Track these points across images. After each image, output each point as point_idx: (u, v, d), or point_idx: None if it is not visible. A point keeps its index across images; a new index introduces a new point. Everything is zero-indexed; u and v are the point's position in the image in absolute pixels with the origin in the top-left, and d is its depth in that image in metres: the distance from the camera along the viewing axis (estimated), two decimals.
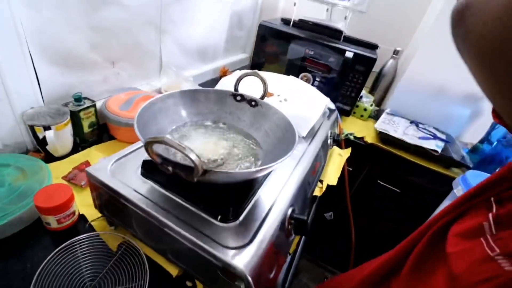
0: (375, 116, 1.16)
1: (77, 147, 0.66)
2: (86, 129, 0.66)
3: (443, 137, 1.03)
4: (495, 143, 0.93)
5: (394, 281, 0.39)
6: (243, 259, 0.34)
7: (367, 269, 0.44)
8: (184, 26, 0.94)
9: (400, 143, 0.95)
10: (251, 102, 0.55)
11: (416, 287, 0.35)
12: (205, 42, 1.09)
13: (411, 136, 0.98)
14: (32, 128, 0.56)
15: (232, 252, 0.35)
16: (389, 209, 1.07)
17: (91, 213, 0.51)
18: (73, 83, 0.67)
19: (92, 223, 0.49)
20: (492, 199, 0.33)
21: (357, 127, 1.07)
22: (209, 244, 0.36)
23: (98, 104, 0.70)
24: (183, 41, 0.97)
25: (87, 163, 0.61)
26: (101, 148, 0.68)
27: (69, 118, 0.60)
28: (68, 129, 0.61)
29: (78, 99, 0.63)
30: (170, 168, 0.33)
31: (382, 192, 1.05)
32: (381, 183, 1.05)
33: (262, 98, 0.55)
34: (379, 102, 1.25)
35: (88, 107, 0.65)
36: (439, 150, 0.91)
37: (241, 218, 0.40)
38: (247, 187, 0.45)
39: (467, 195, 0.36)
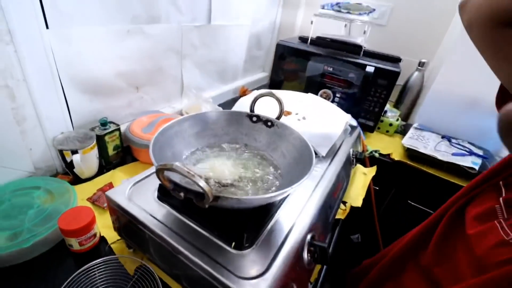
0: (402, 132, 1.10)
1: (102, 169, 0.69)
2: (111, 151, 0.69)
3: (480, 152, 0.94)
4: None
5: (422, 255, 0.46)
6: None
7: (396, 246, 0.53)
8: (204, 50, 0.98)
9: (431, 159, 0.89)
10: (267, 123, 0.54)
11: (441, 261, 0.41)
12: (225, 64, 1.13)
13: (443, 152, 0.91)
14: (61, 152, 0.59)
15: (246, 282, 0.33)
16: None
17: (112, 235, 0.51)
18: (100, 108, 0.71)
19: (112, 246, 0.50)
20: (500, 183, 0.38)
21: (382, 144, 1.01)
22: (222, 274, 0.34)
23: (122, 128, 0.73)
24: (203, 64, 1.01)
25: (110, 185, 0.64)
26: (124, 169, 0.71)
27: (95, 142, 0.63)
28: (94, 153, 0.64)
29: (104, 123, 0.66)
30: (181, 194, 0.32)
31: (414, 213, 0.97)
32: (412, 203, 0.97)
33: (278, 118, 0.55)
34: (406, 117, 1.19)
35: (113, 131, 0.68)
36: (477, 168, 0.83)
37: (256, 245, 0.39)
38: (263, 212, 0.44)
39: (478, 179, 0.43)
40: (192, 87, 0.97)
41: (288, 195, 0.48)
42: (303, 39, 1.16)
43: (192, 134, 0.51)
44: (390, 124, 1.08)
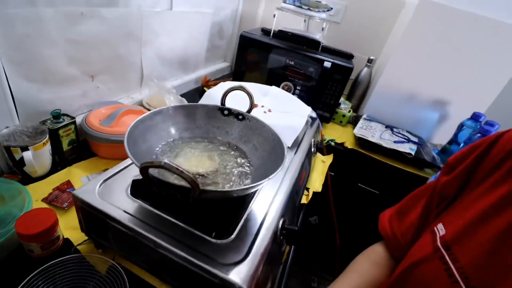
0: (353, 122, 1.21)
1: (56, 167, 0.63)
2: (65, 147, 0.64)
3: (416, 140, 1.10)
4: (462, 144, 1.01)
5: None
6: (240, 274, 0.35)
7: None
8: (165, 37, 0.93)
9: (377, 147, 1.01)
10: (239, 116, 0.56)
11: None
12: (186, 52, 1.09)
13: (387, 140, 1.04)
14: (8, 149, 0.53)
15: (228, 268, 0.36)
16: (370, 210, 1.12)
17: (77, 237, 0.49)
18: (50, 99, 0.64)
19: (78, 247, 0.47)
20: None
21: (337, 133, 1.11)
22: (205, 262, 0.36)
23: (78, 120, 0.67)
24: (164, 52, 0.97)
25: (68, 183, 0.59)
26: (82, 166, 0.66)
27: (47, 137, 0.57)
28: (47, 149, 0.58)
29: (57, 116, 0.61)
30: (166, 190, 0.33)
31: (363, 195, 1.10)
32: (362, 186, 1.09)
33: (249, 111, 0.57)
34: (356, 108, 1.31)
35: (67, 124, 0.62)
36: (413, 153, 0.98)
37: (235, 233, 0.41)
38: (239, 202, 0.46)
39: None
40: (153, 77, 0.92)
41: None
42: (265, 32, 1.18)
43: (164, 127, 0.50)
44: (344, 116, 1.18)
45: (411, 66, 1.09)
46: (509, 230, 0.28)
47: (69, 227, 0.50)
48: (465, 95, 1.06)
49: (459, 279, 0.30)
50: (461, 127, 1.02)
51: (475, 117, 0.98)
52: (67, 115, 0.64)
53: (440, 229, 0.35)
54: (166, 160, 0.27)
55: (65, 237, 0.48)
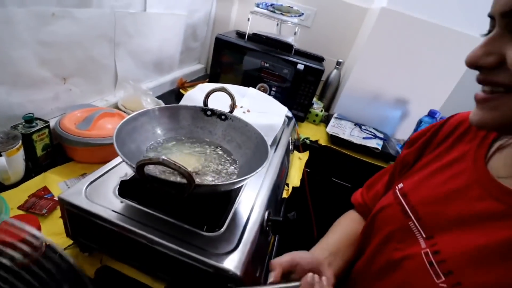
0: (325, 120, 1.28)
1: (29, 173, 0.60)
2: (39, 152, 0.61)
3: (382, 136, 1.20)
4: None
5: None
6: (233, 262, 0.38)
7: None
8: (139, 39, 0.92)
9: (348, 143, 1.08)
10: (221, 116, 0.58)
11: None
12: (161, 54, 1.08)
13: (356, 137, 1.12)
14: None
15: (221, 257, 0.38)
16: (343, 202, 1.20)
17: (60, 242, 0.47)
18: (20, 102, 0.61)
19: None
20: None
21: (311, 132, 1.17)
22: (199, 253, 0.38)
23: (51, 124, 0.65)
24: (139, 54, 0.96)
25: (45, 189, 0.57)
26: (58, 171, 0.64)
27: (20, 142, 0.55)
28: (20, 154, 0.55)
29: (29, 120, 0.58)
30: (161, 187, 0.34)
31: (337, 188, 1.17)
32: (335, 180, 1.17)
33: (230, 111, 0.59)
34: (328, 108, 1.39)
35: (41, 129, 0.60)
36: (380, 148, 1.07)
37: (225, 226, 0.43)
38: (226, 197, 0.49)
39: None
40: (127, 79, 0.91)
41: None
42: (240, 34, 1.21)
43: (149, 128, 0.51)
44: (317, 115, 1.25)
45: (375, 68, 1.18)
46: (449, 180, 0.38)
47: (51, 233, 0.49)
48: (423, 94, 1.18)
49: (410, 214, 0.40)
50: (420, 123, 1.13)
51: (432, 113, 1.09)
52: (40, 119, 0.62)
53: (400, 186, 0.45)
54: (164, 157, 0.29)
55: (47, 244, 0.47)
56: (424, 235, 0.37)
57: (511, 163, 0.32)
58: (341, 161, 1.11)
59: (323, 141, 1.12)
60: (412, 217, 0.39)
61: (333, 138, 1.11)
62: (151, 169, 0.45)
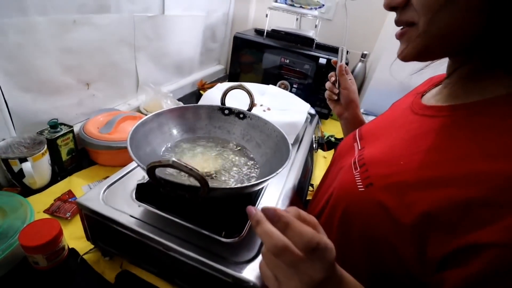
0: None
1: (56, 177, 0.62)
2: (64, 156, 0.63)
3: None
4: None
5: None
6: (253, 272, 0.34)
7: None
8: (158, 42, 0.93)
9: None
10: (240, 115, 0.55)
11: None
12: (181, 56, 1.09)
13: None
14: (6, 161, 0.51)
15: (241, 266, 0.35)
16: None
17: (82, 246, 0.48)
18: (46, 109, 0.63)
19: (84, 257, 0.46)
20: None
21: (336, 129, 1.11)
22: (217, 261, 0.35)
23: (75, 129, 0.66)
24: (159, 57, 0.96)
25: (70, 193, 0.58)
26: (82, 175, 0.65)
27: (46, 147, 0.56)
28: (46, 159, 0.57)
29: (54, 126, 0.59)
30: (174, 190, 0.32)
31: None
32: None
33: (249, 110, 0.56)
34: None
35: (65, 134, 0.61)
36: None
37: (244, 232, 0.40)
38: (246, 200, 0.46)
39: None
40: (148, 82, 0.92)
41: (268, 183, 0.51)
42: (258, 32, 1.19)
43: (165, 130, 0.49)
44: None
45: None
46: (392, 113, 0.46)
47: (74, 237, 0.49)
48: None
49: (357, 137, 0.47)
50: None
51: None
52: (65, 124, 0.63)
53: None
54: (174, 158, 0.27)
55: (70, 247, 0.47)
56: (359, 148, 0.44)
57: (434, 92, 0.40)
58: None
59: None
60: (357, 138, 0.47)
61: None
62: (168, 172, 0.43)
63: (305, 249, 0.23)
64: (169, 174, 0.42)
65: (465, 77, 0.33)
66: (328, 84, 0.65)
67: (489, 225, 0.23)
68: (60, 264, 0.45)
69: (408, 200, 0.29)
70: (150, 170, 0.29)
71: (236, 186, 0.36)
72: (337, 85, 0.63)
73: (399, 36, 0.34)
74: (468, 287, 0.25)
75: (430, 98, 0.39)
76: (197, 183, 0.30)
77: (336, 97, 0.64)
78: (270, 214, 0.25)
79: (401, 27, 0.33)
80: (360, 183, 0.36)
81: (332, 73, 0.65)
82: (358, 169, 0.38)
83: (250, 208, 0.27)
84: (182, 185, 0.31)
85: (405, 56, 0.33)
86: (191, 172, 0.27)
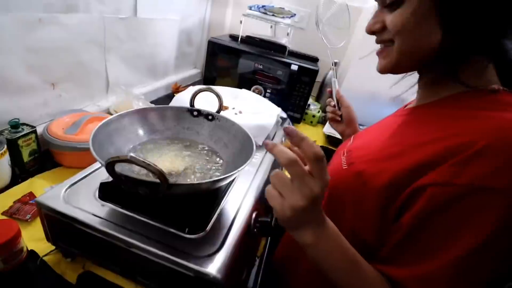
0: (323, 121, 1.27)
1: (16, 179, 0.59)
2: (26, 157, 0.60)
3: None
4: None
5: None
6: (214, 265, 0.36)
7: None
8: (131, 44, 0.93)
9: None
10: (208, 117, 0.57)
11: None
12: (154, 59, 1.09)
13: None
14: None
15: (203, 260, 0.36)
16: None
17: (42, 248, 0.46)
18: (8, 108, 0.61)
19: (45, 258, 0.45)
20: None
21: (308, 133, 1.16)
22: (179, 256, 0.36)
23: (39, 130, 0.64)
24: (131, 58, 0.96)
25: (31, 195, 0.56)
26: (45, 176, 0.63)
27: (5, 147, 0.54)
28: (6, 160, 0.55)
29: (15, 125, 0.58)
30: (134, 186, 0.33)
31: None
32: None
33: (218, 112, 0.58)
34: (325, 109, 1.37)
35: (27, 134, 0.59)
36: None
37: (208, 227, 0.42)
38: (212, 197, 0.47)
39: None
40: (119, 83, 0.91)
41: (233, 180, 0.53)
42: (233, 37, 1.21)
43: (132, 130, 0.50)
44: (313, 116, 1.23)
45: (371, 68, 1.16)
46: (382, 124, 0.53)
47: (34, 239, 0.48)
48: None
49: (351, 140, 0.55)
50: None
51: None
52: (27, 125, 0.61)
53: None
54: (132, 154, 0.28)
55: (29, 249, 0.46)
56: (350, 143, 0.53)
57: (417, 97, 0.47)
58: None
59: (320, 142, 1.10)
60: (351, 138, 0.56)
61: (330, 139, 1.09)
62: (135, 171, 0.44)
63: (314, 157, 0.29)
64: (141, 174, 0.43)
65: (427, 85, 0.43)
66: (330, 109, 0.75)
67: (430, 172, 0.32)
68: (18, 266, 0.43)
69: (378, 169, 0.38)
70: (109, 166, 0.30)
71: (196, 182, 0.38)
72: (337, 107, 0.73)
73: (379, 54, 0.43)
74: (415, 225, 0.33)
75: (409, 106, 0.49)
76: (157, 180, 0.31)
77: (340, 118, 0.73)
78: (291, 129, 0.31)
79: (379, 46, 0.42)
80: (345, 164, 0.46)
81: (329, 100, 0.76)
82: (345, 155, 0.48)
83: (266, 141, 0.32)
84: (142, 181, 0.32)
85: (383, 69, 0.42)
86: (148, 167, 0.28)
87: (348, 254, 0.35)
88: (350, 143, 0.54)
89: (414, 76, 0.48)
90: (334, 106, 0.74)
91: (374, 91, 1.21)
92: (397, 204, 0.35)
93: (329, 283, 0.36)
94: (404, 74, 0.47)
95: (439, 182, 0.31)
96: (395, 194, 0.35)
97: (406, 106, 0.53)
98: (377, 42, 0.42)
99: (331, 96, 0.74)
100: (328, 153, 1.09)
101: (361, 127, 0.76)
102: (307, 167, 0.30)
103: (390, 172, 0.36)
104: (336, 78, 1.36)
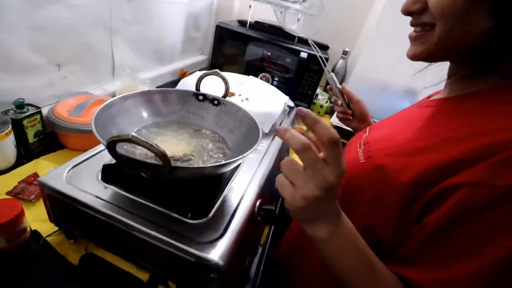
0: (331, 112, 1.24)
1: (21, 159, 0.59)
2: (31, 138, 0.60)
3: None
4: None
5: None
6: (216, 251, 0.35)
7: None
8: (137, 27, 0.91)
9: (352, 134, 1.04)
10: (214, 101, 0.56)
11: None
12: (161, 43, 1.06)
13: None
14: None
15: (204, 246, 0.36)
16: None
17: (45, 228, 0.46)
18: (13, 88, 0.60)
19: (48, 239, 0.45)
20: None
21: None
22: (181, 241, 0.36)
23: (44, 111, 0.64)
24: (137, 42, 0.94)
25: (35, 175, 0.56)
26: (50, 158, 0.63)
27: (10, 127, 0.54)
28: (10, 140, 0.55)
29: (20, 105, 0.57)
30: (136, 168, 0.32)
31: None
32: None
33: (224, 97, 0.56)
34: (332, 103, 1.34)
35: (32, 114, 0.59)
36: None
37: (211, 213, 0.41)
38: (215, 183, 0.46)
39: None
40: (125, 67, 0.89)
41: (238, 166, 0.52)
42: (242, 23, 1.18)
43: (135, 112, 0.49)
44: (321, 106, 1.21)
45: (383, 57, 1.13)
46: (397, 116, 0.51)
47: (37, 219, 0.48)
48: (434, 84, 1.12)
49: (367, 131, 0.52)
50: None
51: None
52: (32, 105, 0.61)
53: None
54: (133, 133, 0.27)
55: (33, 229, 0.46)
56: (366, 136, 0.50)
57: (446, 89, 0.44)
58: None
59: None
60: (366, 130, 0.53)
61: (338, 130, 1.07)
62: (137, 153, 0.43)
63: (329, 140, 0.26)
64: (149, 157, 0.42)
65: (462, 76, 0.39)
66: (338, 109, 0.70)
67: (461, 171, 0.29)
68: (21, 245, 0.43)
69: (402, 164, 0.35)
70: (110, 146, 0.29)
71: (199, 166, 0.37)
72: (345, 104, 0.67)
73: (413, 39, 0.38)
74: (443, 226, 0.30)
75: (435, 97, 0.45)
76: (160, 162, 0.30)
77: (351, 117, 0.69)
78: (305, 111, 0.28)
79: (415, 30, 0.37)
80: (362, 157, 0.43)
81: (334, 99, 0.70)
82: (362, 147, 0.45)
83: (278, 127, 0.30)
84: (144, 162, 0.31)
85: (416, 56, 0.37)
86: (151, 148, 0.27)
87: (363, 253, 0.32)
88: (366, 135, 0.50)
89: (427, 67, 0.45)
90: (341, 104, 0.69)
91: (385, 82, 1.17)
92: (422, 203, 0.32)
93: (338, 283, 0.34)
94: (431, 63, 0.43)
95: (475, 181, 0.28)
96: (421, 192, 0.32)
97: (430, 97, 0.49)
98: (413, 24, 0.37)
99: (332, 92, 0.68)
100: None
101: (374, 119, 0.73)
102: (321, 154, 0.28)
103: (416, 168, 0.33)
104: (347, 68, 1.32)
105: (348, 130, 1.02)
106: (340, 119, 0.72)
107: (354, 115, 0.69)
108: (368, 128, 0.55)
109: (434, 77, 0.45)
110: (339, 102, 0.68)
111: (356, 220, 0.36)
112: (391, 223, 0.35)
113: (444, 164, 0.31)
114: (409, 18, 0.38)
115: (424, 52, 0.36)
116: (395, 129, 0.45)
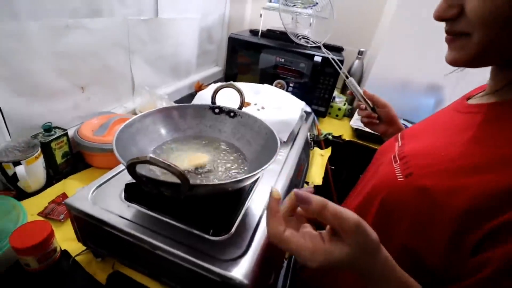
0: (349, 114, 1.20)
1: (51, 180, 0.62)
2: (59, 160, 0.63)
3: None
4: None
5: None
6: (241, 270, 0.34)
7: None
8: (154, 45, 0.94)
9: (375, 136, 1.00)
10: (230, 113, 0.55)
11: None
12: (177, 59, 1.09)
13: None
14: (0, 165, 0.52)
15: (228, 264, 0.35)
16: None
17: (74, 248, 0.48)
18: (41, 112, 0.64)
19: (76, 258, 0.47)
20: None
21: (334, 127, 1.10)
22: (204, 260, 0.35)
23: (70, 132, 0.67)
24: (154, 60, 0.97)
25: (64, 196, 0.58)
26: (77, 177, 0.65)
27: (39, 150, 0.57)
28: (40, 162, 0.57)
29: (48, 129, 0.60)
30: (155, 188, 0.32)
31: None
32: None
33: (240, 108, 0.56)
34: (351, 101, 1.30)
35: (59, 137, 0.62)
36: None
37: (233, 229, 0.40)
38: (235, 198, 0.45)
39: None
40: (144, 85, 0.92)
41: (257, 180, 0.50)
42: (254, 32, 1.19)
43: (154, 130, 0.49)
44: (339, 109, 1.18)
45: (402, 53, 1.08)
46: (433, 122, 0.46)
47: (66, 238, 0.49)
48: (459, 77, 1.05)
49: (399, 138, 0.49)
50: None
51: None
52: (59, 128, 0.64)
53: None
54: (151, 155, 0.27)
55: (62, 249, 0.47)
56: (399, 146, 0.46)
57: (480, 95, 0.40)
58: (368, 156, 1.03)
59: (347, 136, 1.04)
60: (398, 138, 0.49)
61: (358, 132, 1.03)
62: (155, 171, 0.43)
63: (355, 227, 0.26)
64: (153, 172, 0.42)
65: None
66: (363, 113, 0.66)
67: None
68: (52, 265, 0.45)
69: (452, 186, 0.31)
70: (130, 167, 0.29)
71: (218, 183, 0.36)
72: (369, 108, 0.64)
73: (450, 42, 0.35)
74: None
75: (476, 100, 0.40)
76: (178, 181, 0.30)
77: (378, 121, 0.65)
78: (304, 195, 0.28)
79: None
80: (400, 174, 0.38)
81: (357, 103, 0.67)
82: (398, 162, 0.40)
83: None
84: (163, 182, 0.31)
85: (456, 61, 0.34)
86: (169, 168, 0.27)
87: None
88: (399, 145, 0.46)
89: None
90: (365, 108, 0.65)
91: (406, 79, 1.12)
92: (479, 233, 0.28)
93: None
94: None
95: None
96: (477, 221, 0.28)
97: (469, 97, 0.43)
98: (449, 32, 0.33)
99: (352, 97, 0.66)
100: (357, 148, 1.03)
101: (402, 121, 0.68)
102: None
103: (470, 192, 0.29)
104: (363, 68, 1.28)
105: (373, 134, 0.98)
106: (365, 124, 0.68)
107: (381, 119, 0.65)
108: (399, 135, 0.50)
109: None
110: (363, 106, 0.65)
111: (395, 238, 0.33)
112: (440, 249, 0.31)
113: (503, 191, 0.27)
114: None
115: (464, 57, 0.33)
116: (436, 140, 0.40)
